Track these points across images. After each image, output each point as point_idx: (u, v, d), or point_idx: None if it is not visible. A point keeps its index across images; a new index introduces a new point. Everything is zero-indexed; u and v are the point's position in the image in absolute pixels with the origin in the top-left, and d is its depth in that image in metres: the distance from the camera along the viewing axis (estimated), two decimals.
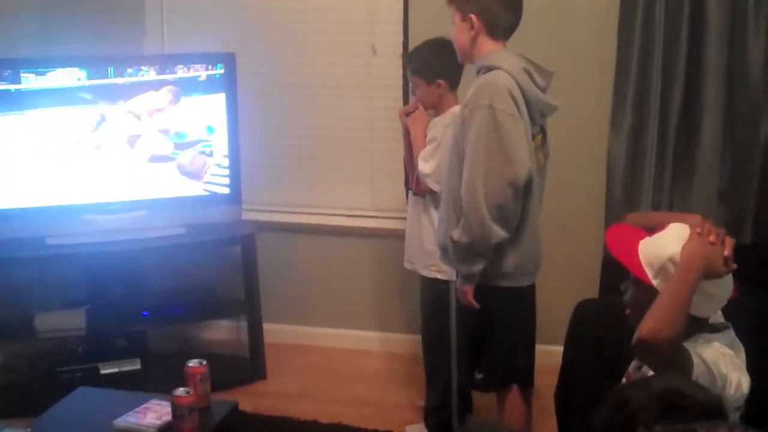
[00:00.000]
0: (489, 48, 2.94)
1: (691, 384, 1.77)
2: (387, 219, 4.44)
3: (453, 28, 3.01)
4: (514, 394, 3.18)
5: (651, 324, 1.96)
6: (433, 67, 3.51)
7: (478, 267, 2.91)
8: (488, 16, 2.92)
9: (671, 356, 1.98)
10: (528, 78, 2.89)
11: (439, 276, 3.53)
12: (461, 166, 2.89)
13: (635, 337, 1.99)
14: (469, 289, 2.99)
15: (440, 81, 3.50)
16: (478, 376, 3.19)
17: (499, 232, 2.84)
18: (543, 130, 3.03)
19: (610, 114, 4.02)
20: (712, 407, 1.63)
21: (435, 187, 3.41)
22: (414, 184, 3.63)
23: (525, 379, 3.21)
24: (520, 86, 2.85)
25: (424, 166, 3.49)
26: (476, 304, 2.99)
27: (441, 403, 3.65)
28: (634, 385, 1.81)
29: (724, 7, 3.78)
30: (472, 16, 2.91)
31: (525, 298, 3.09)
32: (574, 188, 4.18)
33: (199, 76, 4.14)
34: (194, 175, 4.22)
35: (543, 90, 2.96)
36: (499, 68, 2.86)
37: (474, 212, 2.82)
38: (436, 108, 3.58)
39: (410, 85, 3.67)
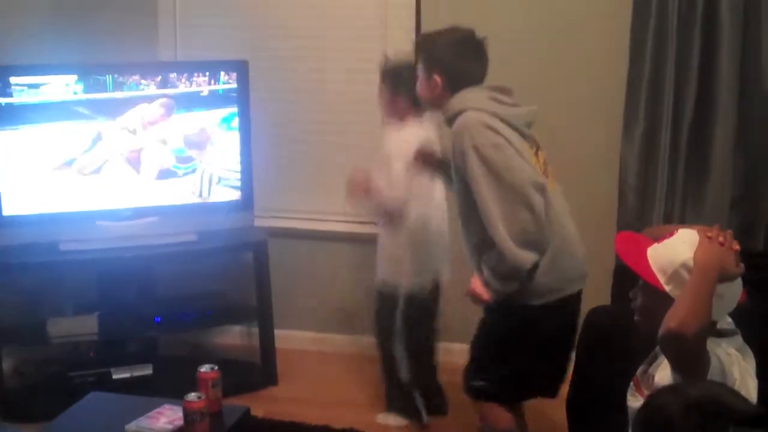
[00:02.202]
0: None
1: (730, 392, 1.77)
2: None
3: (419, 81, 3.07)
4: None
5: (680, 317, 1.96)
6: (400, 83, 3.61)
7: (513, 287, 2.89)
8: (451, 76, 2.96)
9: (696, 351, 1.98)
10: (496, 103, 2.91)
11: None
12: (468, 195, 2.90)
13: (663, 329, 1.98)
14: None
15: (401, 98, 3.64)
16: (476, 384, 3.15)
17: (529, 257, 2.82)
18: (536, 143, 3.02)
19: (622, 120, 4.02)
20: (751, 416, 1.63)
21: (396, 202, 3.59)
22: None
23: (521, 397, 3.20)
24: (494, 114, 2.86)
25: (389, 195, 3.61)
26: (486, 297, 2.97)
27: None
28: (670, 391, 1.80)
29: (737, 12, 3.78)
30: (436, 77, 2.96)
31: (548, 316, 2.97)
32: (586, 194, 4.17)
33: (202, 91, 4.15)
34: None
35: (515, 105, 2.97)
36: (464, 110, 2.89)
37: (502, 249, 2.80)
38: (395, 120, 3.71)
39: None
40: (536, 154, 2.97)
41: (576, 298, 3.03)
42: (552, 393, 3.15)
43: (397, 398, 3.89)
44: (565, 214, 3.02)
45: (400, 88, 3.62)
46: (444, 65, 2.96)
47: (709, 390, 1.71)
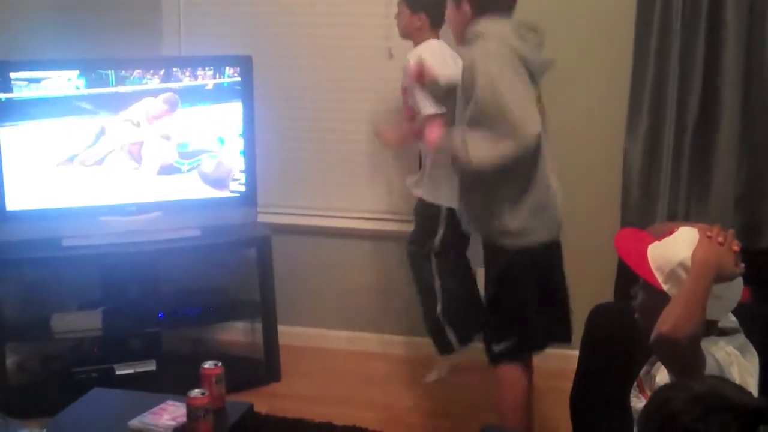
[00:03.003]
0: None
1: (733, 386, 1.78)
2: (402, 222, 4.42)
3: (447, 11, 3.12)
4: (514, 369, 3.20)
5: (672, 320, 1.96)
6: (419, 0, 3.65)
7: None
8: (480, 1, 2.98)
9: (689, 354, 1.98)
10: (520, 40, 2.92)
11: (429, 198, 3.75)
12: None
13: (655, 333, 1.98)
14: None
15: (422, 15, 3.66)
16: (497, 348, 3.20)
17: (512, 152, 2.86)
18: (538, 92, 3.08)
19: (626, 117, 4.01)
20: (753, 409, 1.64)
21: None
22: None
23: (540, 346, 3.26)
24: (513, 49, 2.88)
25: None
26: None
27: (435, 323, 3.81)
28: (674, 386, 1.81)
29: (742, 9, 3.77)
30: (465, 5, 3.00)
31: (536, 258, 3.09)
32: (590, 192, 4.17)
33: (206, 85, 4.15)
34: (219, 183, 4.23)
35: (538, 46, 3.01)
36: (485, 36, 2.91)
37: (514, 126, 2.82)
38: (413, 39, 3.75)
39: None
40: (538, 101, 3.02)
41: (556, 245, 3.17)
42: (564, 337, 3.26)
43: (431, 330, 3.87)
44: (551, 168, 3.09)
45: (418, 6, 3.65)
46: None
47: (712, 384, 1.73)
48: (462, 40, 3.09)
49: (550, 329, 3.21)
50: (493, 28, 2.90)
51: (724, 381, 1.84)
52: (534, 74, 2.95)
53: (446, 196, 3.56)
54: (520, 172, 2.94)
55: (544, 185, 3.03)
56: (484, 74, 2.82)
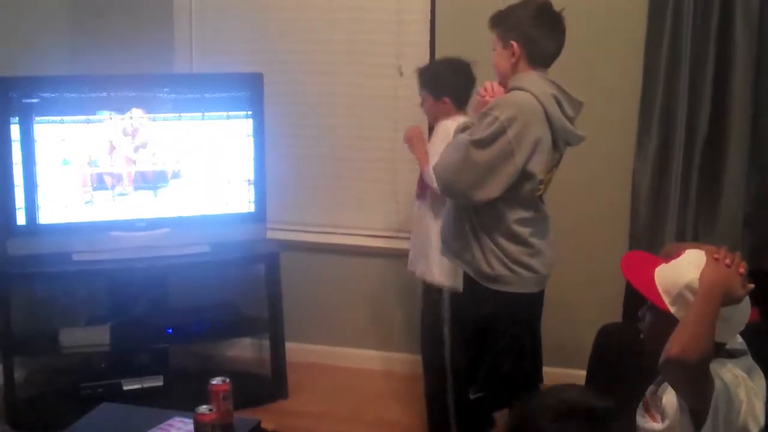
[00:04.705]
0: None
1: (588, 393, 2.01)
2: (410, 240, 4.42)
3: (494, 53, 3.04)
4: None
5: (681, 344, 1.96)
6: (441, 85, 3.60)
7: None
8: (529, 44, 2.94)
9: (698, 377, 1.97)
10: (556, 105, 2.90)
11: (427, 278, 3.63)
12: None
13: (664, 356, 1.98)
14: None
15: (446, 99, 3.59)
16: (473, 396, 3.14)
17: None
18: (558, 162, 3.05)
19: (635, 136, 4.02)
20: (600, 414, 1.92)
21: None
22: (418, 188, 3.72)
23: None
24: (545, 111, 2.86)
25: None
26: None
27: (440, 423, 3.67)
28: (540, 394, 2.13)
29: (751, 28, 3.78)
30: (514, 43, 2.94)
31: (523, 307, 3.04)
32: (599, 211, 4.17)
33: (221, 96, 4.17)
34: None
35: (571, 120, 2.97)
36: (525, 90, 2.87)
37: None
38: (440, 120, 3.66)
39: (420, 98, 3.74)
40: (552, 170, 3.00)
41: (540, 295, 3.10)
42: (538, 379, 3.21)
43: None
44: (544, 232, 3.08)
45: (442, 91, 3.60)
46: (521, 33, 2.94)
47: (567, 393, 2.02)
48: (506, 84, 3.04)
49: (522, 375, 3.10)
50: (531, 85, 2.88)
51: (582, 390, 2.14)
52: (558, 142, 2.94)
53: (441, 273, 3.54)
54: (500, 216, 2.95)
55: (524, 242, 2.98)
56: (492, 125, 2.83)
